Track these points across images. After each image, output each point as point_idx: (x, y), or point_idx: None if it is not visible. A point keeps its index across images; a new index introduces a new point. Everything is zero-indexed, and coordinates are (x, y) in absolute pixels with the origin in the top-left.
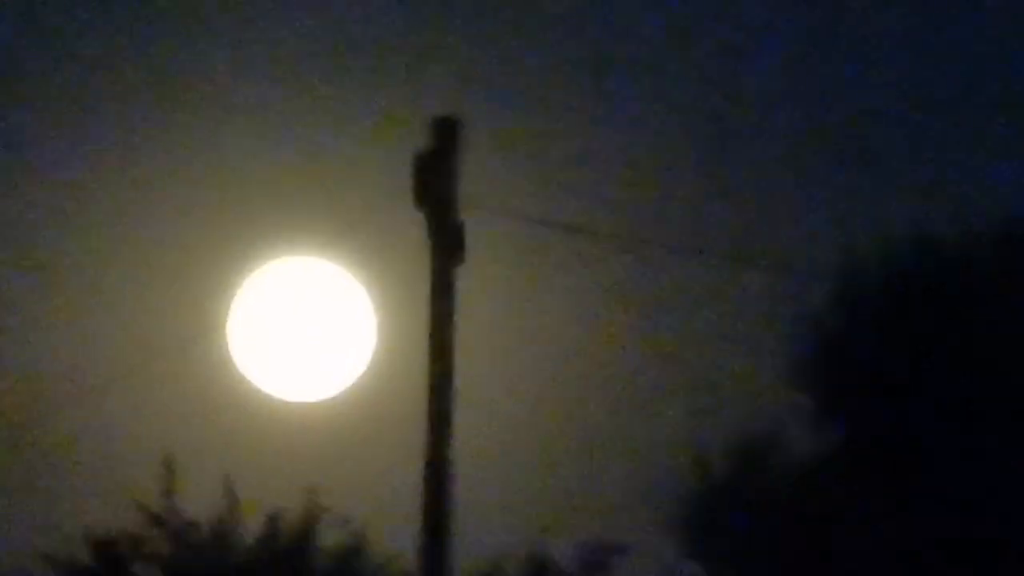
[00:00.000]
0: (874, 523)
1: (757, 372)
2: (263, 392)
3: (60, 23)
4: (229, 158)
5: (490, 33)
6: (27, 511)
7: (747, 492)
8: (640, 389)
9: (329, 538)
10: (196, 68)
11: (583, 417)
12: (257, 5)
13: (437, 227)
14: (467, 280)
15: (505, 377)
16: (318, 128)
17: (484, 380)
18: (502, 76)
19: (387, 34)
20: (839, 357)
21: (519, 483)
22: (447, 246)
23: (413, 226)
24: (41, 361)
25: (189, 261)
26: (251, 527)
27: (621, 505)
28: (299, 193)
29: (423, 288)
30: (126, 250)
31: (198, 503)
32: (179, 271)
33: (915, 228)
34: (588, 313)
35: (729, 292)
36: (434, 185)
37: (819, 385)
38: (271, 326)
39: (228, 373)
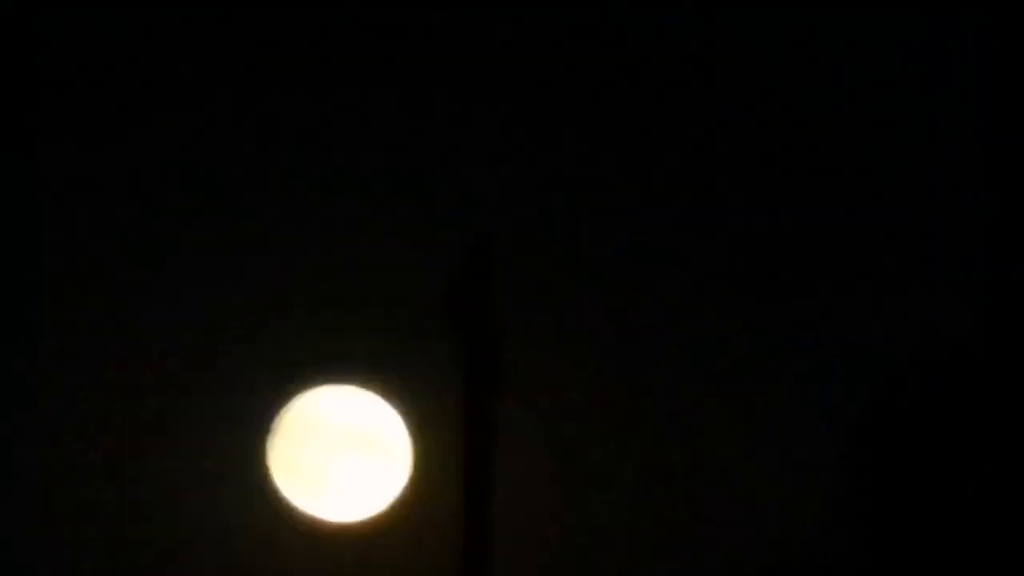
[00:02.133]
0: None
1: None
2: (302, 513)
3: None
4: (260, 283)
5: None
6: None
7: None
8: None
9: None
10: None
11: (624, 546)
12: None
13: (471, 355)
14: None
15: (547, 506)
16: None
17: (525, 509)
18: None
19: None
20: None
21: None
22: (483, 376)
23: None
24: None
25: (222, 391)
26: None
27: None
28: (332, 319)
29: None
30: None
31: None
32: (213, 400)
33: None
34: (634, 442)
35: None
36: (468, 309)
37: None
38: (310, 454)
39: (267, 497)
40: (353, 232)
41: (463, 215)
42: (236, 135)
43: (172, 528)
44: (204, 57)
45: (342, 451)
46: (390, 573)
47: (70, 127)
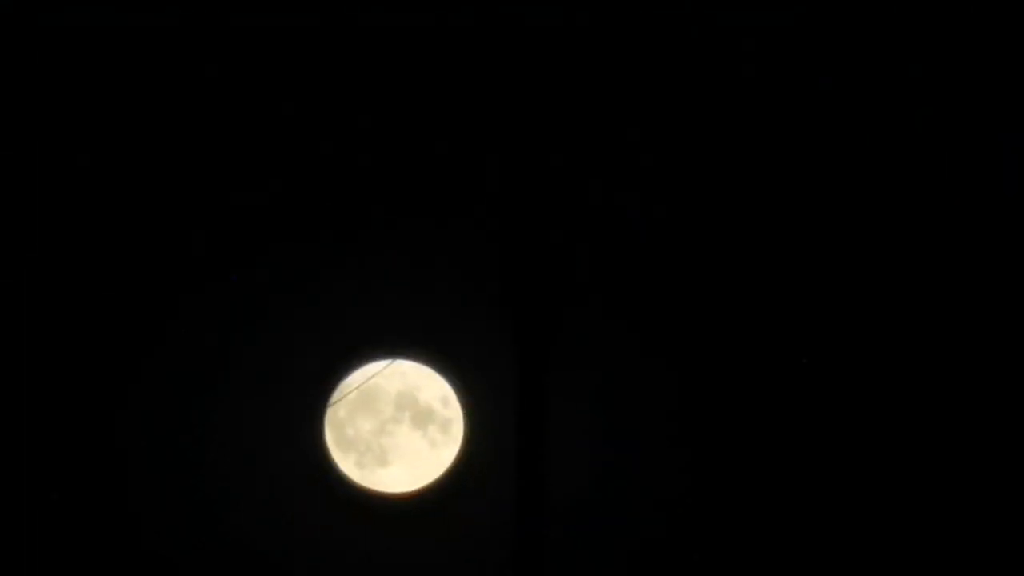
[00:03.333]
0: None
1: None
2: (357, 485)
3: None
4: (318, 254)
5: None
6: None
7: None
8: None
9: None
10: None
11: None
12: None
13: (522, 326)
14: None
15: (602, 478)
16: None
17: (579, 481)
18: None
19: None
20: None
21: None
22: (535, 347)
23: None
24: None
25: (278, 364)
26: None
27: None
28: (388, 292)
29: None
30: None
31: None
32: (269, 372)
33: None
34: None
35: None
36: (522, 281)
37: None
38: (365, 426)
39: (322, 469)
40: (410, 203)
41: (516, 185)
42: (278, 114)
43: (226, 500)
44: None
45: (397, 423)
46: (444, 545)
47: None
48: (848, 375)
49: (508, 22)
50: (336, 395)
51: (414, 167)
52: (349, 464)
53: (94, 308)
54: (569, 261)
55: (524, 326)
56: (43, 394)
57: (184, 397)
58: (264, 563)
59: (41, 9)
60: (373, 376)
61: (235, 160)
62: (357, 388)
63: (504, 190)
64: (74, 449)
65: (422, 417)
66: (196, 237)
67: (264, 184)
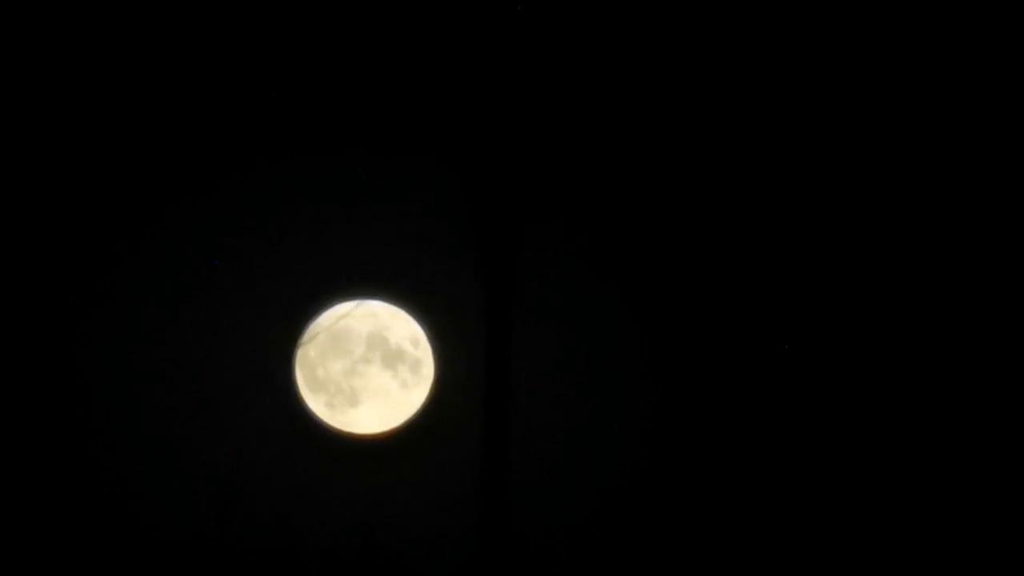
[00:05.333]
0: None
1: None
2: (327, 425)
3: None
4: (288, 197)
5: None
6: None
7: None
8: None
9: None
10: None
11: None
12: None
13: (489, 267)
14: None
15: (567, 419)
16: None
17: (545, 422)
18: None
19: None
20: None
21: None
22: (502, 288)
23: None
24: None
25: (249, 304)
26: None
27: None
28: (359, 233)
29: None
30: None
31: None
32: (240, 312)
33: None
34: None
35: None
36: (489, 223)
37: None
38: (335, 366)
39: (292, 409)
40: (379, 145)
41: (484, 128)
42: (253, 55)
43: (198, 440)
44: None
45: (367, 364)
46: (414, 484)
47: None
48: (812, 316)
49: None
50: (306, 336)
51: (385, 112)
52: (319, 405)
53: (56, 262)
54: (536, 201)
55: (490, 265)
56: (11, 339)
57: (155, 338)
58: (234, 503)
59: None
60: (343, 317)
61: (197, 105)
62: (327, 329)
63: (473, 135)
64: (41, 394)
65: (392, 357)
66: (159, 189)
67: (236, 126)
